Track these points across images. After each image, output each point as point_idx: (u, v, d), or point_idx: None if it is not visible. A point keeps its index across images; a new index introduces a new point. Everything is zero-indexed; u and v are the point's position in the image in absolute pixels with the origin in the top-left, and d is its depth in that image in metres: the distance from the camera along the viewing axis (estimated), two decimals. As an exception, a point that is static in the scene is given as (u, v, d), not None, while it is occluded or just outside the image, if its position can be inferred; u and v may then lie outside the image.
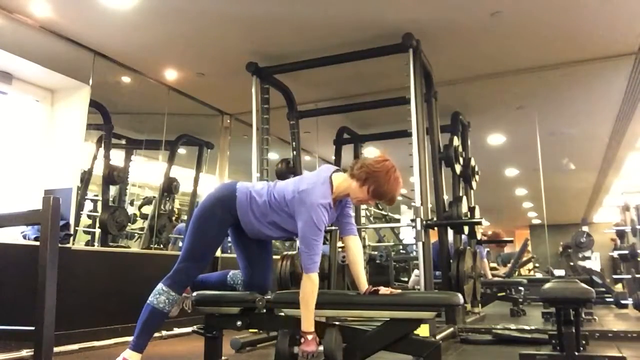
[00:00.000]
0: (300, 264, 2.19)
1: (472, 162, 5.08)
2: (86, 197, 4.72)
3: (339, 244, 4.54)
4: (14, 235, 3.67)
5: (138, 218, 5.50)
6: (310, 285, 2.12)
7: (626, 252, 5.72)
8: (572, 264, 6.72)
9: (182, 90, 5.07)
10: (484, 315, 5.13)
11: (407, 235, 7.94)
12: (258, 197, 2.31)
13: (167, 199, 5.47)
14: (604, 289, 6.07)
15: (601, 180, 7.67)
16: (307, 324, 2.10)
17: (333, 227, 4.39)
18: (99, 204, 4.79)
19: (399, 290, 2.23)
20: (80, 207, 4.40)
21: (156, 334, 3.65)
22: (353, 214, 2.45)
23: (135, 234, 5.37)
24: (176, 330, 4.20)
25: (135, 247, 5.20)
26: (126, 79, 4.72)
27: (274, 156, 4.92)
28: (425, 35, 3.74)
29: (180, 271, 2.32)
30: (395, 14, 3.59)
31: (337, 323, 2.36)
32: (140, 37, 3.99)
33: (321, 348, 2.07)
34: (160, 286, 2.31)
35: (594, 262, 7.24)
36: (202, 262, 2.36)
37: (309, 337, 2.08)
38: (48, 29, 3.79)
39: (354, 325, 2.27)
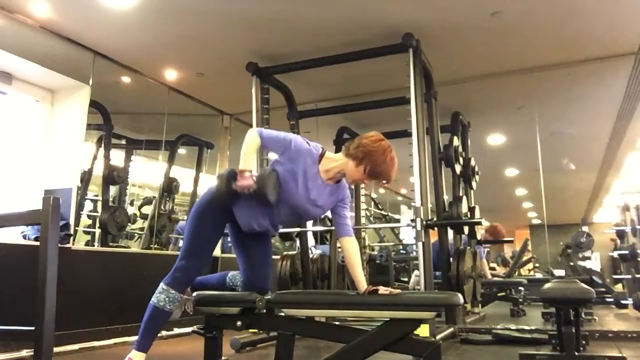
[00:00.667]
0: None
1: (472, 162, 5.08)
2: (86, 197, 4.72)
3: (339, 244, 4.54)
4: (14, 235, 3.67)
5: (138, 218, 5.50)
6: (252, 136, 2.30)
7: (626, 252, 5.72)
8: (572, 264, 6.72)
9: (182, 90, 5.07)
10: (484, 316, 5.12)
11: (407, 236, 7.93)
12: None
13: (167, 199, 5.47)
14: (604, 289, 6.06)
15: (601, 180, 7.68)
16: (243, 164, 2.25)
17: (333, 228, 4.40)
18: (99, 204, 4.79)
19: (399, 290, 2.22)
20: (80, 207, 4.40)
21: (156, 334, 3.65)
22: (349, 215, 2.44)
23: (135, 234, 5.38)
24: (176, 331, 4.20)
25: (135, 247, 5.20)
26: (126, 79, 4.72)
27: (274, 156, 4.92)
28: (425, 35, 3.74)
29: (179, 269, 2.32)
30: (395, 14, 3.59)
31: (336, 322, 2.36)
32: (140, 37, 3.99)
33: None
34: (160, 285, 2.31)
35: (594, 262, 7.24)
36: (202, 259, 2.36)
37: (246, 174, 2.21)
38: (48, 29, 3.79)
39: (354, 325, 2.27)
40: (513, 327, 3.98)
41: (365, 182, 2.35)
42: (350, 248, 2.34)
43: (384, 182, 2.29)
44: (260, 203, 2.26)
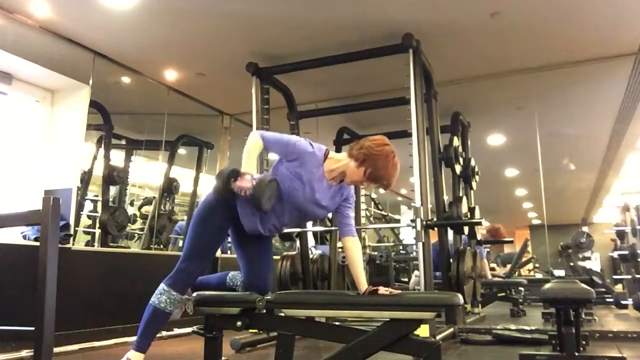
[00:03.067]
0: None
1: (472, 163, 5.08)
2: (86, 198, 4.72)
3: (339, 244, 4.55)
4: (14, 235, 3.67)
5: (138, 218, 5.50)
6: (255, 139, 2.31)
7: (626, 252, 5.72)
8: (572, 264, 6.72)
9: (182, 91, 5.07)
10: (484, 316, 5.12)
11: (407, 236, 7.93)
12: None
13: (167, 199, 5.47)
14: (604, 290, 6.07)
15: (601, 180, 7.68)
16: (245, 166, 2.26)
17: (333, 228, 4.40)
18: (99, 205, 4.79)
19: (399, 291, 2.22)
20: (80, 207, 4.40)
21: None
22: (352, 215, 2.44)
23: (135, 234, 5.38)
24: (176, 331, 4.20)
25: (135, 248, 5.20)
26: (126, 79, 4.72)
27: (274, 156, 4.92)
28: (425, 35, 3.74)
29: (181, 271, 2.32)
30: (395, 14, 3.59)
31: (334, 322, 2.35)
32: (140, 37, 3.99)
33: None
34: (161, 286, 2.31)
35: (594, 262, 7.25)
36: (203, 261, 2.36)
37: (246, 176, 2.20)
38: (48, 29, 3.79)
39: (354, 326, 2.26)
40: (513, 327, 3.98)
41: (364, 184, 2.35)
42: (353, 248, 2.35)
43: (384, 187, 2.28)
44: (253, 208, 2.27)
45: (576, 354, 2.65)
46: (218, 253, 5.16)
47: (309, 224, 4.74)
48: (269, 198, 2.18)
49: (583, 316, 3.86)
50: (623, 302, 5.33)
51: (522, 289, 5.69)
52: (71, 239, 3.82)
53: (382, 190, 8.40)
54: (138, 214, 5.52)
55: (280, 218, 2.33)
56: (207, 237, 2.33)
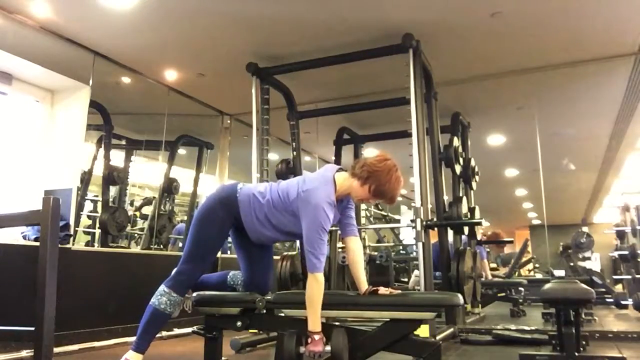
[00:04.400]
0: (306, 264, 2.18)
1: (472, 163, 5.08)
2: (86, 198, 4.72)
3: (339, 244, 4.55)
4: (14, 235, 3.67)
5: (138, 218, 5.50)
6: (316, 286, 2.12)
7: (626, 252, 5.72)
8: (572, 264, 6.72)
9: (182, 91, 5.07)
10: (484, 316, 5.12)
11: (407, 236, 7.93)
12: (261, 198, 2.30)
13: (167, 199, 5.48)
14: (604, 290, 6.07)
15: (601, 180, 7.67)
16: (314, 324, 2.10)
17: (333, 228, 4.40)
18: (99, 205, 4.79)
19: (399, 291, 2.23)
20: (80, 207, 4.40)
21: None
22: (354, 215, 2.45)
23: (135, 235, 5.38)
24: (176, 331, 4.20)
25: (134, 248, 5.19)
26: (126, 79, 4.72)
27: (274, 156, 4.92)
28: (425, 35, 3.74)
29: (181, 273, 2.32)
30: (395, 14, 3.59)
31: (338, 324, 2.36)
32: (141, 38, 3.99)
33: (328, 348, 2.07)
34: (162, 287, 2.31)
35: (594, 262, 7.25)
36: (204, 264, 2.36)
37: (316, 337, 2.08)
38: (48, 29, 3.79)
39: (354, 326, 2.27)
40: (513, 327, 3.98)
41: (371, 200, 2.36)
42: (354, 248, 2.37)
43: (389, 202, 2.28)
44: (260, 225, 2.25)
45: (576, 354, 2.65)
46: (218, 253, 5.15)
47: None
48: (345, 351, 2.08)
49: (583, 316, 3.85)
50: (623, 302, 5.32)
51: (522, 289, 5.69)
52: (71, 239, 3.82)
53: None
54: (138, 214, 5.52)
55: (290, 238, 2.37)
56: (207, 240, 2.34)
